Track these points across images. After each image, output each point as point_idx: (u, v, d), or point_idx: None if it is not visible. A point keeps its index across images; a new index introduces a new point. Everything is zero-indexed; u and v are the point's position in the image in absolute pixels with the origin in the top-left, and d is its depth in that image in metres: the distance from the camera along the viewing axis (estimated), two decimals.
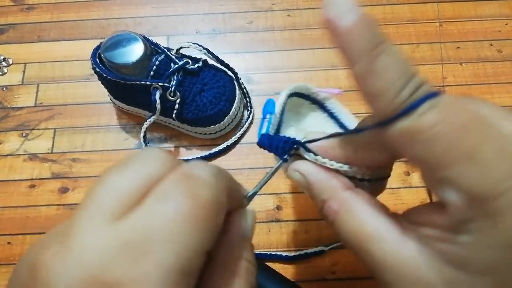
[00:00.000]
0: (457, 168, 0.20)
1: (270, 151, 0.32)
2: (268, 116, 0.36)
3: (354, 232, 0.25)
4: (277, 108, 0.38)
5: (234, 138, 0.65)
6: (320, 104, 0.49)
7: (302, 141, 0.30)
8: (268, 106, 0.37)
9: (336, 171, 0.29)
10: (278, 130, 0.40)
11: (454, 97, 0.21)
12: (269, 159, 0.64)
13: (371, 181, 0.29)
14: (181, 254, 0.18)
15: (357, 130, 0.27)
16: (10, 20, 0.74)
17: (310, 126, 0.48)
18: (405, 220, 0.25)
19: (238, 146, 0.65)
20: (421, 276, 0.22)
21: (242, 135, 0.66)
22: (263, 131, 0.36)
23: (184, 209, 0.19)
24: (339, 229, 0.26)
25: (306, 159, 0.30)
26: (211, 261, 0.24)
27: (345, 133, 0.29)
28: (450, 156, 0.20)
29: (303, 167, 0.29)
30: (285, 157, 0.30)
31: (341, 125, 0.50)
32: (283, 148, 0.30)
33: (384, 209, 0.27)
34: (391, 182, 0.59)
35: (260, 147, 0.34)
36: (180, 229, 0.19)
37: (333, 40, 0.23)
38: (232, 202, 0.25)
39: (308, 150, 0.29)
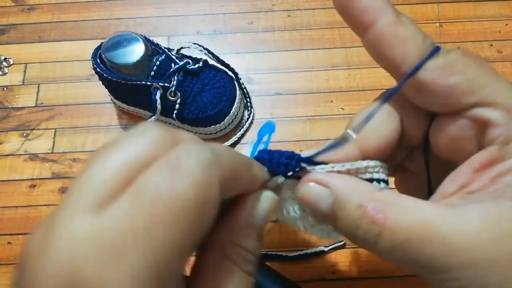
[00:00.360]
0: (490, 87, 0.22)
1: (269, 168, 0.28)
2: (266, 136, 0.31)
3: (415, 224, 0.21)
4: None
5: (234, 138, 0.65)
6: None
7: (309, 155, 0.26)
8: (267, 128, 0.31)
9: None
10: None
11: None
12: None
13: (386, 181, 0.26)
14: (154, 259, 0.16)
15: (385, 98, 0.25)
16: (11, 21, 0.74)
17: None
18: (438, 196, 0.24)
19: (238, 146, 0.65)
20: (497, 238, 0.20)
21: (243, 135, 0.66)
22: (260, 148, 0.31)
23: (159, 209, 0.17)
24: (394, 228, 0.22)
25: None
26: (209, 242, 0.23)
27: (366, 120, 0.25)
28: (482, 78, 0.22)
29: (322, 176, 0.25)
30: (289, 174, 0.26)
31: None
32: (286, 164, 0.26)
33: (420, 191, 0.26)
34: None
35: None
36: (153, 231, 0.17)
37: (347, 5, 0.24)
38: (239, 186, 0.23)
39: (317, 163, 0.25)
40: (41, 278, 0.16)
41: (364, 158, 0.26)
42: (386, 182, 0.26)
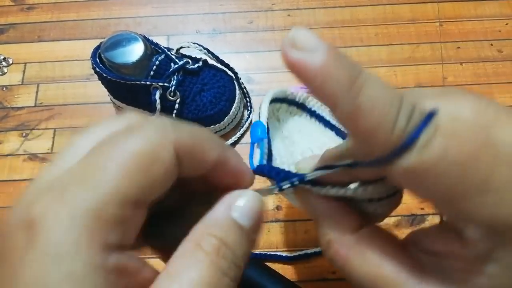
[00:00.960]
0: (472, 201, 0.18)
1: (269, 177, 0.29)
2: (258, 143, 0.33)
3: (369, 278, 0.22)
4: (263, 118, 0.35)
5: (234, 138, 0.65)
6: (298, 104, 0.45)
7: (306, 178, 0.26)
8: (257, 130, 0.33)
9: (346, 200, 0.26)
10: (270, 153, 0.37)
11: (452, 116, 0.19)
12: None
13: (386, 198, 0.26)
14: (95, 200, 0.18)
15: (352, 164, 0.23)
16: (10, 20, 0.74)
17: (293, 131, 0.44)
18: (417, 248, 0.23)
19: (238, 146, 0.65)
20: None
21: (242, 135, 0.66)
22: (256, 159, 0.33)
23: (107, 158, 0.19)
24: (350, 275, 0.23)
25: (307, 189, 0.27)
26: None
27: (341, 165, 0.24)
28: (462, 189, 0.18)
29: (309, 201, 0.27)
30: (287, 186, 0.27)
31: (325, 123, 0.45)
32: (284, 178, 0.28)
33: (394, 243, 0.24)
34: None
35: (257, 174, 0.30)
36: (98, 176, 0.18)
37: (302, 83, 0.21)
38: (205, 161, 0.22)
39: (313, 184, 0.26)
40: (7, 221, 0.19)
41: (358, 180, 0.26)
42: (384, 198, 0.26)
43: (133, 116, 0.22)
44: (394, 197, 0.26)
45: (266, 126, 0.35)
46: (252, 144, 0.32)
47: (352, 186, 0.26)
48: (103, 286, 0.17)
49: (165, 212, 0.25)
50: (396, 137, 0.18)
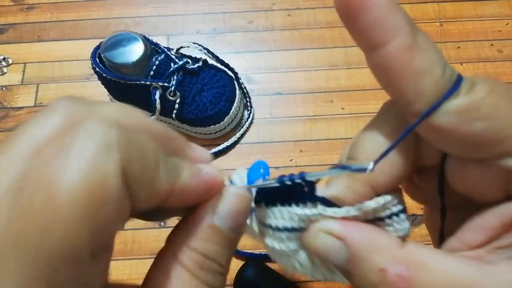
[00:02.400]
0: None
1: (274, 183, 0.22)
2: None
3: None
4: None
5: (234, 138, 0.65)
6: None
7: (322, 196, 0.21)
8: (257, 169, 0.26)
9: (367, 221, 0.21)
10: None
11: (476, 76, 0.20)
12: (268, 159, 0.64)
13: (404, 211, 0.22)
14: (37, 267, 0.14)
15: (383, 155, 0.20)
16: (10, 20, 0.74)
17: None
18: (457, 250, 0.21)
19: (238, 146, 0.65)
20: None
21: (242, 135, 0.65)
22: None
23: (38, 205, 0.14)
24: None
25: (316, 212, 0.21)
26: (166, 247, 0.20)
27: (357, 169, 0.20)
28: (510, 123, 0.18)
29: (336, 226, 0.20)
30: (287, 180, 0.21)
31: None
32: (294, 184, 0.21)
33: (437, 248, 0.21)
34: None
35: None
36: (32, 234, 0.14)
37: (354, 18, 0.18)
38: (165, 178, 0.18)
39: (330, 204, 0.21)
40: None
41: (375, 194, 0.21)
42: (404, 211, 0.22)
43: (64, 112, 0.16)
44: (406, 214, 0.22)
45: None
46: (251, 181, 0.25)
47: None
48: None
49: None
50: (446, 80, 0.18)
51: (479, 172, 0.20)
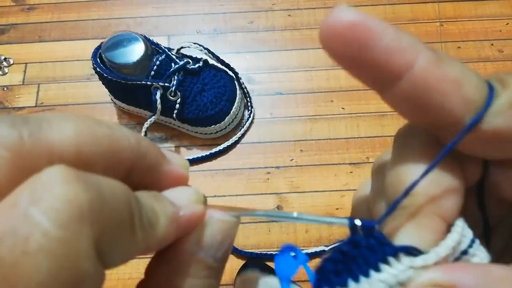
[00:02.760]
0: None
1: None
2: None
3: None
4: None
5: (234, 138, 0.65)
6: None
7: (406, 246, 0.16)
8: (287, 258, 0.20)
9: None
10: None
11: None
12: (269, 159, 0.64)
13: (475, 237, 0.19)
14: None
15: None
16: (11, 20, 0.74)
17: None
18: None
19: (238, 146, 0.65)
20: None
21: (243, 135, 0.66)
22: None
23: None
24: None
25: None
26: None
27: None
28: None
29: (440, 275, 0.16)
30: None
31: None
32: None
33: None
34: None
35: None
36: None
37: (367, 51, 0.16)
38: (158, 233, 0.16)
39: (413, 252, 0.16)
40: None
41: (448, 226, 0.18)
42: (474, 234, 0.19)
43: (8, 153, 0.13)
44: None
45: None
46: (284, 276, 0.20)
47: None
48: None
49: None
50: (483, 82, 0.16)
51: None
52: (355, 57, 0.15)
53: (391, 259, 0.16)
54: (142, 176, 0.17)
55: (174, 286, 0.17)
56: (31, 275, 0.11)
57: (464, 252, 0.17)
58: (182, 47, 0.63)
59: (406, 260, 0.16)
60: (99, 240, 0.12)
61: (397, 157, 0.18)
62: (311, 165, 0.64)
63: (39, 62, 0.71)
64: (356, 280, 0.16)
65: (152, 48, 0.60)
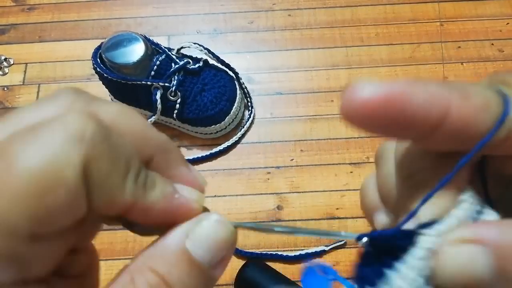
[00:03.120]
0: None
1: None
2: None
3: None
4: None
5: (235, 138, 0.65)
6: None
7: (426, 222, 0.17)
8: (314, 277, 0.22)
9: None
10: None
11: None
12: (269, 159, 0.64)
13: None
14: None
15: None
16: (11, 21, 0.74)
17: None
18: None
19: (239, 146, 0.65)
20: None
21: (243, 135, 0.66)
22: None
23: None
24: None
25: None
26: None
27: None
28: None
29: (467, 232, 0.16)
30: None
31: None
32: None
33: None
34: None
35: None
36: None
37: (405, 116, 0.16)
38: (110, 198, 0.17)
39: (424, 225, 0.17)
40: None
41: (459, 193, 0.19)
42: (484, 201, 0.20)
43: (62, 102, 0.17)
44: None
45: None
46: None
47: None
48: None
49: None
50: (499, 98, 0.17)
51: None
52: (398, 121, 0.15)
53: (415, 238, 0.16)
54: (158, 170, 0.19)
55: (152, 269, 0.17)
56: (22, 164, 0.15)
57: (479, 213, 0.18)
58: (182, 47, 0.63)
59: (430, 232, 0.17)
60: (90, 165, 0.15)
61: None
62: (311, 165, 0.64)
63: (39, 62, 0.71)
64: (392, 268, 0.16)
65: (152, 48, 0.60)
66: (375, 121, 0.15)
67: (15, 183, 0.15)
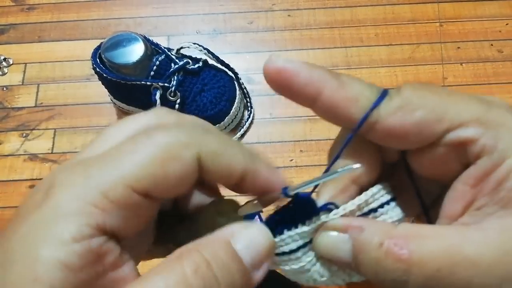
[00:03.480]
0: (453, 108, 0.22)
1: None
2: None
3: (441, 253, 0.21)
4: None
5: (234, 138, 0.65)
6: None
7: (322, 205, 0.24)
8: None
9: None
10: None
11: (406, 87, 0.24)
12: (269, 159, 0.64)
13: (394, 199, 0.25)
14: (105, 180, 0.19)
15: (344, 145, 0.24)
16: (11, 20, 0.74)
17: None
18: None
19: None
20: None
21: (243, 135, 0.66)
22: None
23: (127, 146, 0.20)
24: (421, 262, 0.21)
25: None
26: None
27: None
28: (442, 103, 0.22)
29: (337, 222, 0.23)
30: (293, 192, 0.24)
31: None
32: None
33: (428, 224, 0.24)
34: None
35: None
36: (114, 161, 0.20)
37: (290, 87, 0.24)
38: (221, 173, 0.22)
39: (326, 208, 0.24)
40: (36, 186, 0.20)
41: (362, 190, 0.25)
42: (394, 199, 0.25)
43: (164, 112, 0.23)
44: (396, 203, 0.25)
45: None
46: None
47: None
48: (76, 256, 0.18)
49: (180, 216, 0.25)
50: (375, 93, 0.23)
51: (435, 157, 0.23)
52: (286, 90, 0.24)
53: (314, 217, 0.23)
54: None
55: (198, 251, 0.20)
56: (155, 140, 0.20)
57: (374, 210, 0.24)
58: (181, 47, 0.63)
59: (323, 216, 0.23)
60: (201, 154, 0.21)
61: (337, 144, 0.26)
62: (311, 165, 0.64)
63: (39, 62, 0.71)
64: (289, 230, 0.23)
65: (152, 48, 0.60)
66: (276, 84, 0.23)
67: (145, 153, 0.19)
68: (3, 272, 0.18)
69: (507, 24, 0.72)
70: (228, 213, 0.25)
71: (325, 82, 0.23)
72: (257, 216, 0.25)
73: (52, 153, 0.65)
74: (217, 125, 0.63)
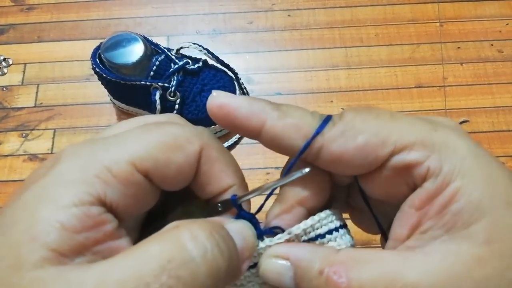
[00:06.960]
0: (396, 131, 0.22)
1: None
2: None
3: (380, 278, 0.21)
4: None
5: (234, 139, 0.65)
6: None
7: (265, 229, 0.25)
8: None
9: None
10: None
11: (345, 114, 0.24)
12: (268, 159, 0.64)
13: (343, 225, 0.25)
14: (109, 157, 0.20)
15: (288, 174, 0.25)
16: (10, 21, 0.74)
17: None
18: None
19: (238, 146, 0.65)
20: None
21: (242, 136, 0.65)
22: None
23: (136, 132, 0.22)
24: None
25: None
26: None
27: (282, 181, 0.25)
28: (385, 126, 0.22)
29: (280, 249, 0.24)
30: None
31: None
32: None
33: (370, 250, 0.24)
34: None
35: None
36: (120, 142, 0.22)
37: (233, 121, 0.24)
38: (208, 181, 0.23)
39: (271, 232, 0.24)
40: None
41: (310, 214, 0.25)
42: (344, 226, 0.25)
43: (175, 116, 0.25)
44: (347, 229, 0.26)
45: None
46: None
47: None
48: (75, 218, 0.19)
49: (163, 212, 0.25)
50: (317, 120, 0.23)
51: (383, 180, 0.23)
52: (230, 124, 0.24)
53: (257, 240, 0.23)
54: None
55: (195, 221, 0.20)
56: (163, 130, 0.22)
57: (321, 236, 0.24)
58: (181, 47, 0.63)
59: (267, 240, 0.24)
60: (203, 154, 0.23)
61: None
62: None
63: (38, 62, 0.71)
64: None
65: (152, 48, 0.60)
66: (219, 119, 0.24)
67: (154, 136, 0.21)
68: (4, 233, 0.19)
69: (507, 24, 0.72)
70: (194, 214, 0.25)
71: (266, 114, 0.23)
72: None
73: (51, 153, 0.65)
74: (217, 125, 0.63)
